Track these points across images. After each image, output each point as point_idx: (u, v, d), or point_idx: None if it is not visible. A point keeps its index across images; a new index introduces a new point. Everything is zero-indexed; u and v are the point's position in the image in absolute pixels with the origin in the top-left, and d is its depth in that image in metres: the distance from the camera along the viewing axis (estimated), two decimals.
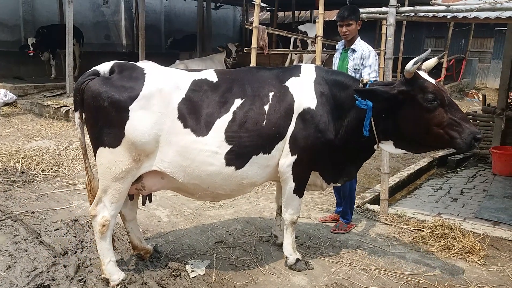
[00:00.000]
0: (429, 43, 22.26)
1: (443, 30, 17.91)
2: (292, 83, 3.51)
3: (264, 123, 3.36)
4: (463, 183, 6.99)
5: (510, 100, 8.23)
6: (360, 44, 4.43)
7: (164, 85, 3.24)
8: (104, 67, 3.36)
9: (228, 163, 3.32)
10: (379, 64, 4.86)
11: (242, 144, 3.32)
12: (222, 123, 3.29)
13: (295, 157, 3.46)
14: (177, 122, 3.24)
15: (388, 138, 3.49)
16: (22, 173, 6.23)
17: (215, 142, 3.27)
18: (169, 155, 3.26)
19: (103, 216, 3.31)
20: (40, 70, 14.36)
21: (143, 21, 12.41)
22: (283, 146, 3.45)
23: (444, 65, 16.13)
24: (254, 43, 7.81)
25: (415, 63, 3.10)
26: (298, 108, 3.43)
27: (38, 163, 6.64)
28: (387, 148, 3.55)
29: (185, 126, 3.24)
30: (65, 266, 3.64)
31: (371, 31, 16.26)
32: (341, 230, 4.50)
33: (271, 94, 3.44)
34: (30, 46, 12.97)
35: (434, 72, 16.50)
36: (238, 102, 3.36)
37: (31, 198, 5.28)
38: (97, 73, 3.29)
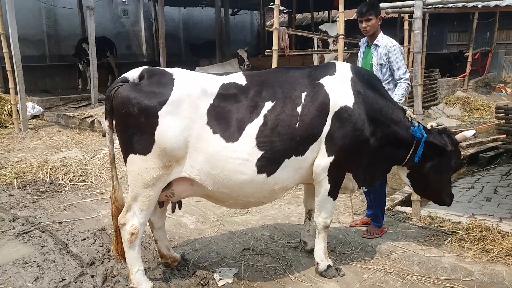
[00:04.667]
0: (453, 38, 21.73)
1: (466, 23, 17.42)
2: (326, 81, 3.43)
3: (297, 125, 3.28)
4: (496, 181, 6.72)
5: None
6: (383, 39, 4.35)
7: (193, 90, 3.19)
8: (133, 74, 3.33)
9: (259, 170, 3.24)
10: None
11: (274, 148, 3.24)
12: (252, 128, 3.22)
13: (332, 157, 3.37)
14: (206, 128, 3.18)
15: (411, 167, 3.78)
16: (51, 183, 6.31)
17: (245, 149, 3.20)
18: (198, 162, 3.20)
19: (133, 224, 3.27)
20: (66, 83, 14.68)
21: (163, 29, 12.51)
22: (318, 147, 3.38)
23: (469, 59, 15.67)
24: (275, 45, 7.72)
25: (473, 135, 3.81)
26: (334, 107, 3.35)
27: (66, 173, 6.72)
28: (401, 171, 3.90)
29: (214, 132, 3.18)
30: (92, 276, 3.63)
31: (391, 28, 15.94)
32: (373, 235, 4.35)
33: (303, 94, 3.36)
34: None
35: (459, 66, 16.08)
36: (268, 105, 3.28)
37: (59, 209, 5.33)
38: (126, 80, 3.27)
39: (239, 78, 3.40)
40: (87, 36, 11.33)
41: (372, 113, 3.48)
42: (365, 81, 3.57)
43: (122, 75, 3.33)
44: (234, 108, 3.25)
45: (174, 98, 3.12)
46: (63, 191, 6.01)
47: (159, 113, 3.09)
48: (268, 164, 3.24)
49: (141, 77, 3.30)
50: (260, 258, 3.95)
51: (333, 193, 3.54)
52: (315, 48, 11.94)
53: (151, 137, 3.10)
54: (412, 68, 4.75)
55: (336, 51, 8.70)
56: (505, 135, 8.45)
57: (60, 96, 12.54)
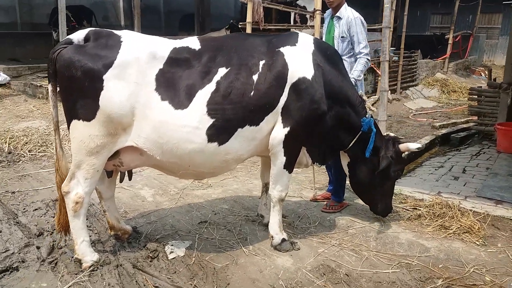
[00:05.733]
0: (435, 20, 21.67)
1: (449, 5, 17.32)
2: (286, 51, 3.28)
3: (252, 93, 3.13)
4: (466, 161, 6.71)
5: None
6: (345, 11, 4.21)
7: (141, 53, 3.02)
8: (78, 35, 3.15)
9: (210, 139, 3.09)
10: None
11: (226, 117, 3.09)
12: (203, 95, 3.06)
13: (287, 129, 3.25)
14: (154, 94, 3.01)
15: (352, 157, 3.73)
16: (9, 153, 6.05)
17: (195, 116, 3.04)
18: (146, 131, 3.04)
19: (77, 193, 3.11)
20: (38, 52, 14.08)
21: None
22: (275, 118, 3.25)
23: (450, 41, 15.64)
24: (249, 18, 7.53)
25: (417, 149, 3.88)
26: (292, 77, 3.21)
27: (26, 143, 6.45)
28: (343, 158, 3.81)
29: (163, 99, 3.02)
30: (38, 248, 3.46)
31: (373, 8, 15.73)
32: (332, 209, 4.27)
33: (261, 62, 3.21)
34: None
35: (440, 48, 16.05)
36: (222, 71, 3.12)
37: (14, 178, 5.11)
38: (70, 42, 3.09)
39: (193, 42, 3.23)
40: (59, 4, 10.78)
41: (330, 89, 3.37)
42: (327, 56, 3.46)
43: (67, 37, 3.17)
44: (185, 74, 3.09)
45: (120, 61, 2.95)
46: (21, 161, 5.76)
47: (104, 76, 2.92)
48: (219, 132, 3.10)
49: (87, 39, 3.13)
50: (216, 231, 3.83)
51: (289, 166, 3.44)
52: (293, 23, 11.69)
53: (95, 102, 2.94)
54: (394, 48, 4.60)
55: (313, 26, 8.50)
56: (477, 117, 8.44)
57: (28, 65, 12.06)
